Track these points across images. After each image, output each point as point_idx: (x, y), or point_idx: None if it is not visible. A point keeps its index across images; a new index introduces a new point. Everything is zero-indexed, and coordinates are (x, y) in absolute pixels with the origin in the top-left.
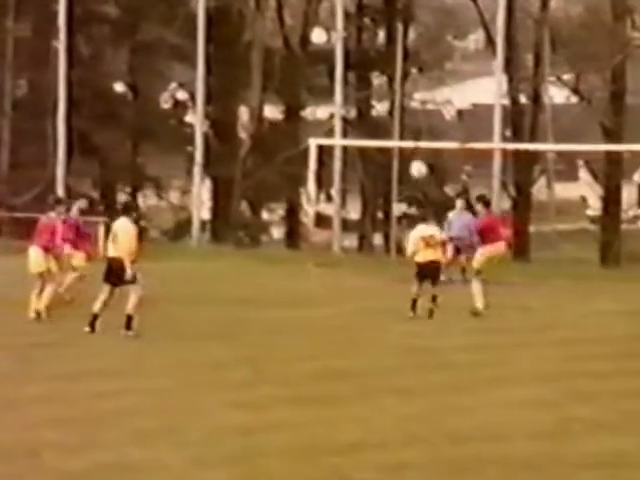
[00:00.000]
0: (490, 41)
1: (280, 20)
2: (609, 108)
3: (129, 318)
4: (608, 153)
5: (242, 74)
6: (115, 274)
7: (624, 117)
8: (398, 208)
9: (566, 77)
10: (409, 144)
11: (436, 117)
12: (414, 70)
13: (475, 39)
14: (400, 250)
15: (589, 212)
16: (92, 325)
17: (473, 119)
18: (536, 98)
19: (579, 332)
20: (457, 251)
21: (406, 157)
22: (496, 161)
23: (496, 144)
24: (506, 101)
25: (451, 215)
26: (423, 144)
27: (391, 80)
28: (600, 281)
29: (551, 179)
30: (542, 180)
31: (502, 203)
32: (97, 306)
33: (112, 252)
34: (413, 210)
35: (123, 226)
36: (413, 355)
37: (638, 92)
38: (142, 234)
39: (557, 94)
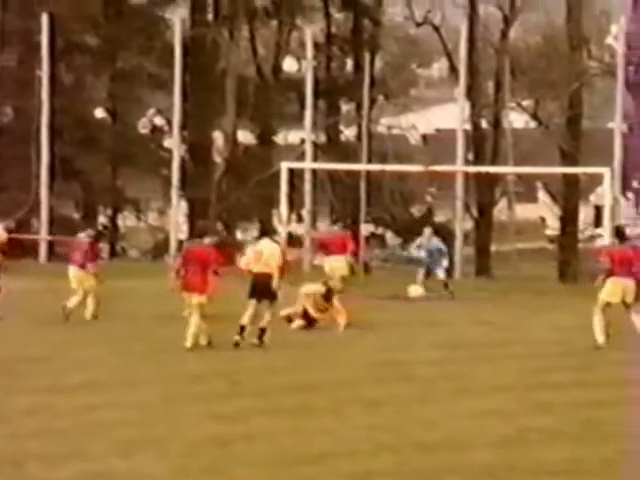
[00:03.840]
0: (453, 69)
1: (253, 50)
2: (566, 132)
3: (262, 331)
4: (565, 175)
5: (217, 101)
6: (260, 290)
7: (580, 141)
8: (366, 228)
9: (525, 103)
10: (376, 167)
11: (402, 142)
12: (380, 97)
13: (439, 67)
14: (368, 269)
15: (548, 232)
16: (241, 335)
17: (437, 143)
18: (497, 123)
19: (539, 345)
20: (428, 272)
21: (373, 180)
22: (459, 183)
23: (459, 167)
24: (468, 126)
25: (420, 240)
26: (389, 167)
27: (359, 106)
28: (558, 297)
29: (511, 200)
30: (503, 201)
31: (465, 224)
32: (245, 319)
33: (258, 268)
34: (380, 230)
35: (269, 245)
36: (381, 368)
37: (593, 117)
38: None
39: (517, 119)
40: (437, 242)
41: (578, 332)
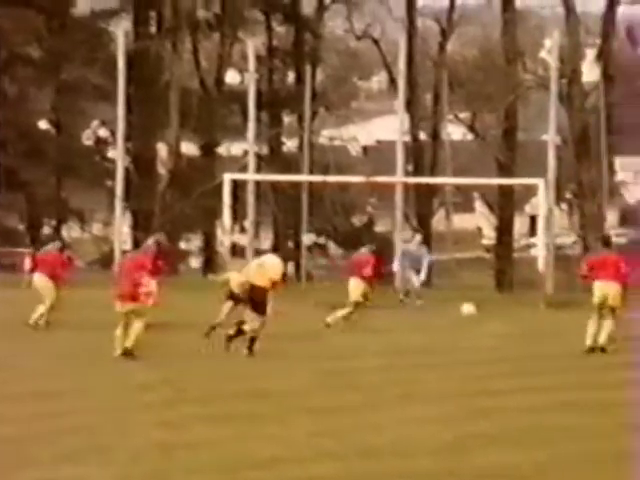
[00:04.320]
0: (392, 82)
1: (196, 62)
2: (502, 144)
3: (252, 340)
4: (501, 186)
5: (161, 113)
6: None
7: (516, 152)
8: (308, 238)
9: (463, 115)
10: (318, 178)
11: (343, 153)
12: (322, 109)
13: (378, 80)
14: (310, 277)
15: (484, 241)
16: (250, 348)
17: (377, 155)
18: (435, 135)
19: (478, 353)
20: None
21: (315, 190)
22: (398, 194)
23: (398, 178)
24: (408, 138)
25: (410, 246)
26: (331, 178)
27: (300, 118)
28: (495, 305)
29: (449, 211)
30: (441, 212)
31: (404, 234)
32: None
33: (258, 281)
34: (322, 240)
35: (271, 260)
36: (327, 376)
37: (528, 129)
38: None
39: (455, 131)
40: (423, 250)
41: (515, 339)
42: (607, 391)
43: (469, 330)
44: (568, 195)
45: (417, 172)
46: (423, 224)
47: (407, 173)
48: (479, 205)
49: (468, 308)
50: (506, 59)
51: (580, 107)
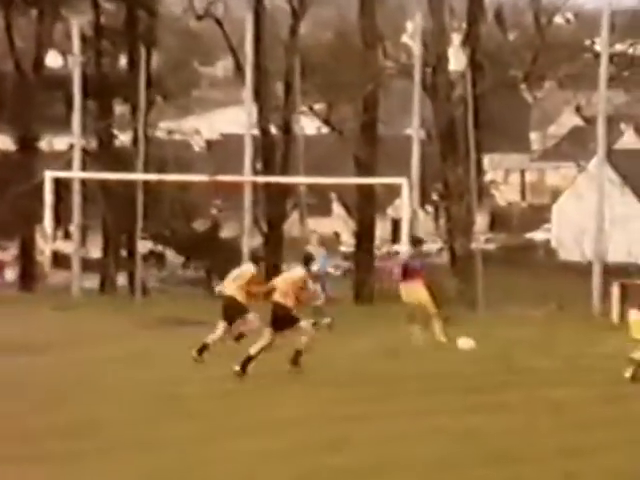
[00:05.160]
0: (239, 68)
1: (10, 41)
2: (361, 139)
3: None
4: (361, 186)
5: None
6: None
7: (377, 148)
8: (143, 245)
9: (318, 107)
10: (154, 177)
11: (183, 148)
12: (159, 98)
13: (223, 66)
14: (146, 291)
15: (342, 248)
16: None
17: (223, 150)
18: (287, 129)
19: (334, 374)
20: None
21: (151, 190)
22: (247, 195)
23: (247, 177)
24: (256, 132)
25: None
26: (169, 177)
27: (134, 108)
28: (354, 320)
29: (303, 214)
30: (295, 215)
31: (253, 239)
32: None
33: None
34: (160, 248)
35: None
36: (157, 404)
37: (390, 122)
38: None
39: (309, 125)
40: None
41: (375, 358)
42: (476, 416)
43: (324, 348)
44: (434, 196)
45: (267, 170)
46: (274, 228)
47: (256, 171)
48: (336, 207)
49: (467, 343)
50: (364, 44)
51: (446, 98)
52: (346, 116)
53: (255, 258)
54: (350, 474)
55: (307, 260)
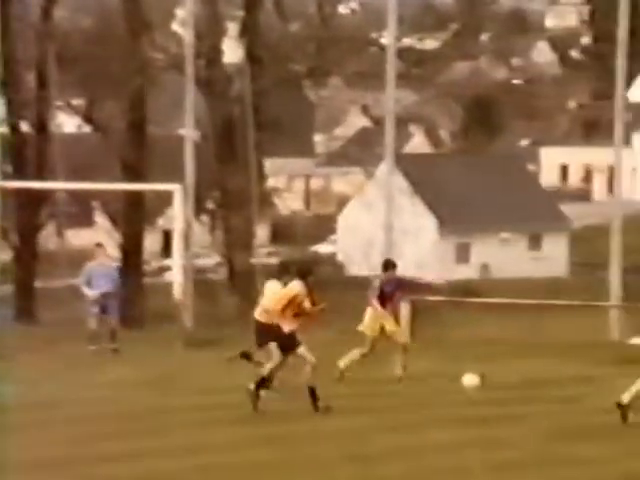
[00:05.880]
0: None
1: None
2: (128, 140)
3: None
4: (128, 193)
5: None
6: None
7: (146, 151)
8: None
9: (77, 102)
10: None
11: None
12: None
13: None
14: None
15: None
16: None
17: None
18: (42, 126)
19: (89, 408)
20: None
21: None
22: None
23: None
24: (4, 129)
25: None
26: None
27: None
28: (121, 344)
29: (62, 224)
30: (51, 226)
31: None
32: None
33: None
34: None
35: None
36: None
37: (161, 122)
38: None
39: (67, 122)
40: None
41: (139, 389)
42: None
43: (81, 378)
44: (210, 205)
45: (18, 174)
46: (27, 241)
47: (4, 174)
48: (100, 217)
49: (472, 379)
50: (129, 31)
51: (222, 95)
52: (111, 113)
53: (302, 272)
54: None
55: (304, 272)
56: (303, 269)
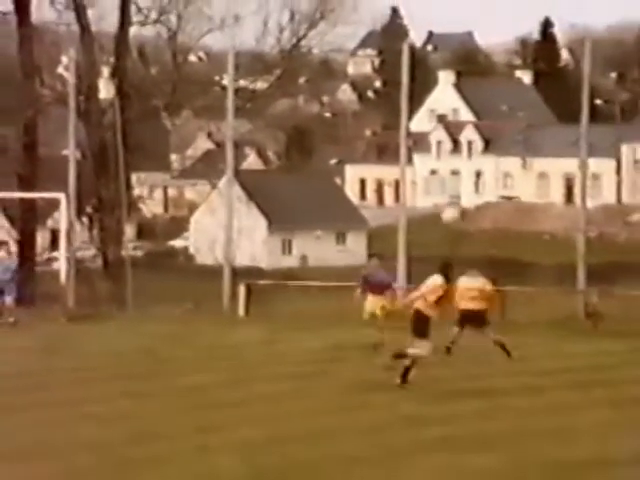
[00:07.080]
0: None
1: None
2: (23, 158)
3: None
4: (23, 200)
5: None
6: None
7: (38, 166)
8: None
9: None
10: None
11: None
12: None
13: None
14: None
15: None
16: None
17: None
18: None
19: None
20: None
21: None
22: None
23: None
24: None
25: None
26: None
27: None
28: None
29: None
30: None
31: None
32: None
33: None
34: None
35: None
36: None
37: (50, 144)
38: None
39: None
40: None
41: (35, 354)
42: (126, 401)
43: None
44: (89, 209)
45: None
46: None
47: None
48: (1, 219)
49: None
50: (24, 74)
51: (98, 123)
52: (9, 137)
53: (444, 266)
54: None
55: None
56: (443, 265)
